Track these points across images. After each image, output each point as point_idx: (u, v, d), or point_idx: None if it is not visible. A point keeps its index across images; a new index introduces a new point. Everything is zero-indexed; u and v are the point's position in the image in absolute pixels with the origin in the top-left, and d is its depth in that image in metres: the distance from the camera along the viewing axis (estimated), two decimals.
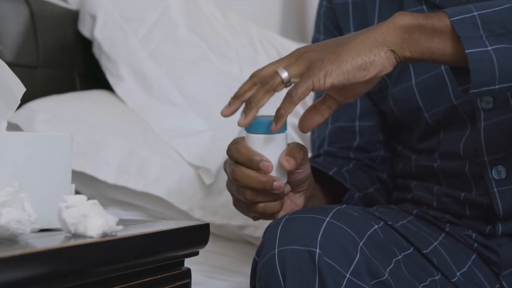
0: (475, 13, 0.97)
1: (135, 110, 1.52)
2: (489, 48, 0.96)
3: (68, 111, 1.47)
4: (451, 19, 0.97)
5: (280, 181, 1.04)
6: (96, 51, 1.63)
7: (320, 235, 0.99)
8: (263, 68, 1.02)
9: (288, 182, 1.07)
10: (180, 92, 1.54)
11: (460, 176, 1.18)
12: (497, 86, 0.97)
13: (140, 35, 1.59)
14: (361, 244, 1.02)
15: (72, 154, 1.00)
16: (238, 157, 1.05)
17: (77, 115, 1.46)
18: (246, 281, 1.28)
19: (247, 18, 1.91)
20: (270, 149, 1.04)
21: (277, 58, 1.79)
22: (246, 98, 1.02)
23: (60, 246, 0.83)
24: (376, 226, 1.08)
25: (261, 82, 1.01)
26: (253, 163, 1.04)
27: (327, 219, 1.01)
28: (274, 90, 1.00)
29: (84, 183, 1.43)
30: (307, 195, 1.15)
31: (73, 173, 1.11)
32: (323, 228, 1.00)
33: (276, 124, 1.00)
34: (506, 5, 0.98)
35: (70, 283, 0.83)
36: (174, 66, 1.57)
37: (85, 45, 1.67)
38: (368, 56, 0.97)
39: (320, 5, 1.33)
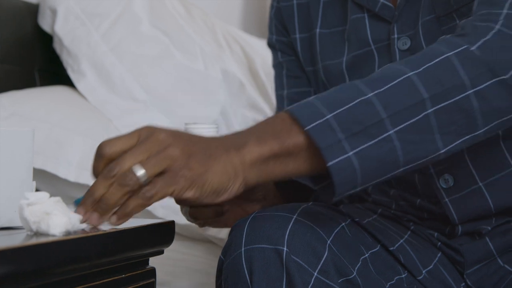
0: (330, 116, 0.92)
1: (96, 107, 1.51)
2: (350, 153, 0.91)
3: (28, 108, 1.45)
4: (307, 129, 0.92)
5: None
6: (56, 46, 1.61)
7: (287, 233, 0.98)
8: (118, 161, 0.89)
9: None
10: (142, 88, 1.53)
11: (411, 184, 1.19)
12: (358, 188, 0.95)
13: (102, 30, 1.58)
14: (328, 242, 1.01)
15: (33, 151, 0.98)
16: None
17: (37, 112, 1.45)
18: (211, 281, 1.27)
19: (209, 14, 1.90)
20: None
21: (240, 54, 1.83)
22: (98, 197, 0.89)
23: (22, 245, 0.80)
24: (343, 224, 1.08)
25: (117, 181, 0.89)
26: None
27: (294, 217, 1.01)
28: (131, 190, 0.89)
29: (45, 181, 1.41)
30: (265, 204, 1.14)
31: (33, 171, 1.09)
32: (290, 226, 0.99)
33: (116, 220, 0.91)
34: (357, 100, 0.93)
35: (32, 283, 0.82)
36: (136, 62, 1.56)
37: (45, 40, 1.65)
38: (225, 183, 0.92)
39: (271, 6, 1.34)
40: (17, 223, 0.91)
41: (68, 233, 0.87)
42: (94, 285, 0.92)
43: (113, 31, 1.58)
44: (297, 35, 1.28)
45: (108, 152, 0.90)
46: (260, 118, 1.68)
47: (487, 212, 1.15)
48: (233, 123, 1.60)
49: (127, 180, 0.88)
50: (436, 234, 1.18)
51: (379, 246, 1.13)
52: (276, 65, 1.33)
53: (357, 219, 1.12)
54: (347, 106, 0.92)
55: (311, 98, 0.94)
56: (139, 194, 0.89)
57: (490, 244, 1.15)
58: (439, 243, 1.17)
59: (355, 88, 0.94)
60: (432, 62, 0.95)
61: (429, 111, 0.93)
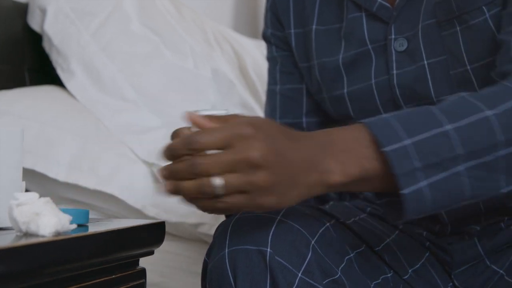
0: (408, 142, 0.93)
1: (86, 106, 1.50)
2: (424, 184, 0.93)
3: (18, 107, 1.45)
4: (386, 151, 0.93)
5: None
6: (46, 45, 1.61)
7: (271, 234, 0.98)
8: (204, 163, 0.88)
9: None
10: (133, 88, 1.52)
11: None
12: (427, 213, 0.97)
13: (92, 29, 1.57)
14: (313, 242, 1.01)
15: (22, 150, 0.98)
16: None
17: (27, 111, 1.44)
18: None
19: (200, 13, 1.90)
20: None
21: (231, 54, 1.82)
22: (175, 177, 0.89)
23: (11, 246, 0.81)
24: (328, 224, 1.07)
25: (196, 183, 0.89)
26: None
27: (278, 218, 1.00)
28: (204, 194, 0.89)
29: (35, 181, 1.41)
30: None
31: (23, 171, 1.09)
32: (274, 227, 0.99)
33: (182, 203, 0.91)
34: (436, 130, 0.94)
35: (22, 284, 0.82)
36: (127, 61, 1.55)
37: (35, 39, 1.64)
38: (297, 202, 0.94)
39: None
40: (7, 223, 0.91)
41: (57, 233, 0.87)
42: (84, 285, 0.92)
43: (103, 30, 1.57)
44: (292, 30, 1.28)
45: (199, 143, 0.88)
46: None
47: (477, 212, 1.15)
48: None
49: (204, 187, 0.88)
50: (425, 233, 1.18)
51: (364, 246, 1.13)
52: (271, 59, 1.33)
53: (341, 220, 1.13)
54: (425, 135, 0.94)
55: (388, 115, 0.95)
56: (212, 200, 0.89)
57: (478, 245, 1.16)
58: (428, 243, 1.18)
59: (432, 116, 0.95)
60: (510, 104, 0.96)
61: (502, 153, 0.95)
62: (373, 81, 1.19)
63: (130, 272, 1.01)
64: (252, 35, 2.32)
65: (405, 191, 0.93)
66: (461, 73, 1.13)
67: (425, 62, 1.15)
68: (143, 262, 1.05)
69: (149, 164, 1.42)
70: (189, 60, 1.61)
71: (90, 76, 1.53)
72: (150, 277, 1.06)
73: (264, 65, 1.79)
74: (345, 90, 1.21)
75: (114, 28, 1.58)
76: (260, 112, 1.72)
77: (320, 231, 1.04)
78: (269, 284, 0.97)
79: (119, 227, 0.96)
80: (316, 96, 1.28)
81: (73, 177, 1.38)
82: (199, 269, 1.35)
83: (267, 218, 1.00)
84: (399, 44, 1.16)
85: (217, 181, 0.87)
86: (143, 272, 1.03)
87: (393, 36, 1.17)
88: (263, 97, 1.74)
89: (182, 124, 1.47)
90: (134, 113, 1.49)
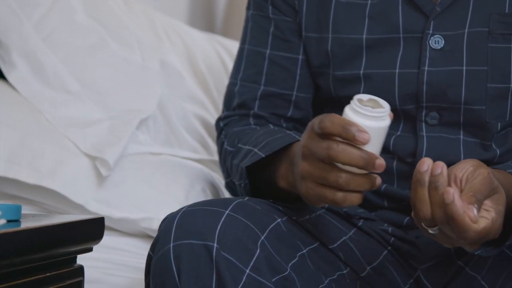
0: None
1: (28, 99, 1.46)
2: None
3: None
4: None
5: (382, 160, 0.97)
6: None
7: (218, 229, 0.97)
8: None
9: None
10: (77, 80, 1.49)
11: (385, 170, 1.18)
12: None
13: (35, 19, 1.53)
14: (262, 238, 1.00)
15: None
16: (331, 128, 0.97)
17: None
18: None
19: (153, 7, 1.87)
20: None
21: (181, 47, 1.80)
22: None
23: None
24: (279, 220, 1.06)
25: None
26: (348, 132, 0.96)
27: (227, 212, 0.99)
28: None
29: None
30: None
31: None
32: (221, 221, 0.97)
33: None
34: None
35: None
36: (71, 52, 1.51)
37: None
38: None
39: None
40: None
41: None
42: (17, 284, 0.90)
43: (46, 20, 1.53)
44: None
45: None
46: (200, 111, 1.65)
47: None
48: (171, 116, 1.57)
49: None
50: (390, 228, 1.17)
51: (318, 242, 1.12)
52: (262, 17, 1.26)
53: (294, 218, 1.11)
54: None
55: None
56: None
57: None
58: (392, 239, 1.16)
59: None
60: None
61: None
62: (397, 70, 1.16)
63: (66, 269, 0.98)
64: (208, 28, 2.30)
65: None
66: (498, 89, 1.14)
67: (464, 67, 1.14)
68: (82, 259, 1.02)
69: (93, 158, 1.38)
70: (136, 52, 1.58)
71: (32, 68, 1.49)
72: (89, 274, 1.05)
73: (215, 59, 1.77)
74: (361, 71, 1.18)
75: (57, 19, 1.54)
76: (210, 106, 1.69)
77: (270, 226, 1.03)
78: (215, 281, 0.95)
79: (53, 223, 0.94)
80: (317, 69, 1.24)
81: (12, 172, 1.34)
82: (142, 264, 1.32)
83: (215, 211, 0.99)
84: (435, 41, 1.15)
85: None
86: (81, 269, 1.00)
87: (430, 31, 1.15)
88: (214, 91, 1.71)
89: (127, 117, 1.46)
90: (77, 106, 1.45)
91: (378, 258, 1.15)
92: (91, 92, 1.48)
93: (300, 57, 1.25)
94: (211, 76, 1.74)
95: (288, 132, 1.14)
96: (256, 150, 1.13)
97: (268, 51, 1.26)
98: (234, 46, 1.83)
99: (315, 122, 0.99)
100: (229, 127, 1.28)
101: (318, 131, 0.99)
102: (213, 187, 1.47)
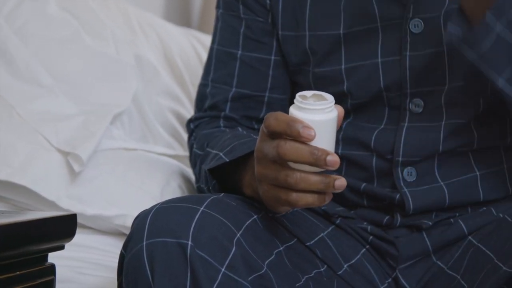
0: None
1: None
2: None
3: None
4: None
5: (335, 156, 0.93)
6: None
7: (193, 226, 0.94)
8: None
9: None
10: (49, 73, 1.46)
11: (364, 168, 1.18)
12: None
13: (6, 11, 1.50)
14: (238, 235, 0.98)
15: None
16: (276, 126, 0.94)
17: None
18: None
19: (128, 1, 1.85)
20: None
21: (156, 41, 1.78)
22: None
23: None
24: (255, 216, 1.05)
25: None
26: (292, 128, 0.93)
27: (201, 208, 0.97)
28: None
29: None
30: None
31: None
32: (196, 218, 0.95)
33: None
34: None
35: None
36: (43, 45, 1.49)
37: None
38: None
39: None
40: None
41: None
42: None
43: (17, 12, 1.51)
44: None
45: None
46: (176, 107, 1.64)
47: (442, 206, 1.15)
48: (146, 111, 1.55)
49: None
50: (369, 227, 1.16)
51: (295, 239, 1.10)
52: (232, 17, 1.25)
53: (270, 214, 1.09)
54: None
55: None
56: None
57: (427, 240, 1.14)
58: (371, 237, 1.15)
59: None
60: None
61: None
62: (379, 59, 1.15)
63: (37, 268, 0.96)
64: (184, 23, 2.28)
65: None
66: None
67: (445, 48, 1.13)
68: (53, 257, 1.00)
69: (65, 154, 1.36)
70: (111, 46, 1.56)
71: (2, 60, 1.47)
72: (61, 273, 1.03)
73: (191, 54, 1.75)
74: (343, 66, 1.17)
75: (29, 10, 1.52)
76: (186, 101, 1.66)
77: (246, 223, 1.01)
78: (189, 280, 0.93)
79: (23, 220, 0.91)
80: (296, 68, 1.22)
81: None
82: (115, 263, 1.30)
83: (189, 208, 0.97)
84: (415, 25, 1.13)
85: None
86: (52, 268, 0.99)
87: (410, 15, 1.13)
88: (190, 86, 1.69)
89: (101, 112, 1.43)
90: (50, 100, 1.43)
91: (356, 256, 1.15)
92: (64, 86, 1.46)
93: (273, 57, 1.24)
94: (188, 71, 1.72)
95: (255, 137, 1.12)
96: (221, 154, 1.11)
97: (239, 52, 1.25)
98: (210, 41, 1.81)
99: (264, 122, 0.98)
100: (199, 129, 1.28)
101: (265, 130, 0.97)
102: (189, 183, 1.46)
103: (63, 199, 1.32)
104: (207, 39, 1.84)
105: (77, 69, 1.49)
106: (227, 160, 1.09)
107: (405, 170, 1.15)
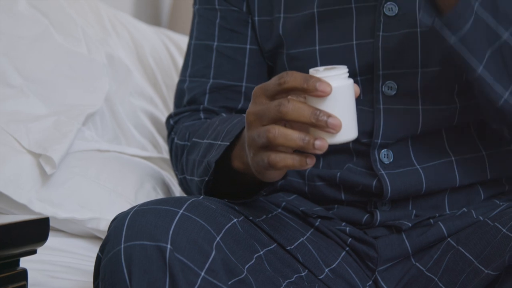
0: None
1: None
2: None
3: None
4: None
5: (337, 119, 0.93)
6: None
7: (172, 229, 0.93)
8: None
9: None
10: (19, 73, 1.43)
11: (341, 152, 1.17)
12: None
13: None
14: (217, 239, 0.97)
15: None
16: (293, 81, 0.93)
17: None
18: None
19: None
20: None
21: (128, 40, 1.76)
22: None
23: None
24: (235, 220, 1.03)
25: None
26: (309, 82, 0.92)
27: (181, 211, 0.95)
28: None
29: None
30: None
31: None
32: (175, 221, 0.94)
33: None
34: None
35: None
36: (12, 44, 1.46)
37: None
38: None
39: None
40: None
41: None
42: None
43: None
44: None
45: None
46: (149, 107, 1.62)
47: (419, 191, 1.14)
48: (119, 111, 1.53)
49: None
50: (348, 228, 1.15)
51: (275, 244, 1.09)
52: (206, 10, 1.25)
53: (251, 218, 1.08)
54: None
55: None
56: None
57: (406, 241, 1.14)
58: (350, 239, 1.15)
59: None
60: None
61: None
62: (354, 41, 1.15)
63: (9, 273, 0.94)
64: (153, 21, 2.27)
65: None
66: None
67: (418, 29, 1.13)
68: (25, 261, 0.98)
69: (37, 156, 1.34)
70: (82, 44, 1.54)
71: None
72: (33, 278, 1.01)
73: (164, 54, 1.74)
74: (317, 47, 1.16)
75: None
76: (158, 102, 1.65)
77: (226, 227, 1.00)
78: (168, 284, 0.92)
79: None
80: (271, 52, 1.22)
81: None
82: (89, 267, 1.28)
83: (168, 211, 0.95)
84: (389, 8, 1.13)
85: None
86: (24, 273, 0.97)
87: None
88: (163, 86, 1.68)
89: (73, 113, 1.41)
90: (20, 100, 1.40)
91: (336, 260, 1.14)
92: (34, 86, 1.43)
93: (248, 46, 1.24)
94: (160, 70, 1.71)
95: (243, 115, 1.12)
96: (219, 142, 1.10)
97: (215, 43, 1.25)
98: (182, 40, 1.81)
99: (269, 82, 0.96)
100: (179, 124, 1.28)
101: (275, 88, 0.95)
102: (164, 185, 1.44)
103: (35, 202, 1.30)
104: (179, 38, 1.83)
105: (48, 68, 1.46)
106: (228, 144, 1.07)
107: (382, 152, 1.15)
